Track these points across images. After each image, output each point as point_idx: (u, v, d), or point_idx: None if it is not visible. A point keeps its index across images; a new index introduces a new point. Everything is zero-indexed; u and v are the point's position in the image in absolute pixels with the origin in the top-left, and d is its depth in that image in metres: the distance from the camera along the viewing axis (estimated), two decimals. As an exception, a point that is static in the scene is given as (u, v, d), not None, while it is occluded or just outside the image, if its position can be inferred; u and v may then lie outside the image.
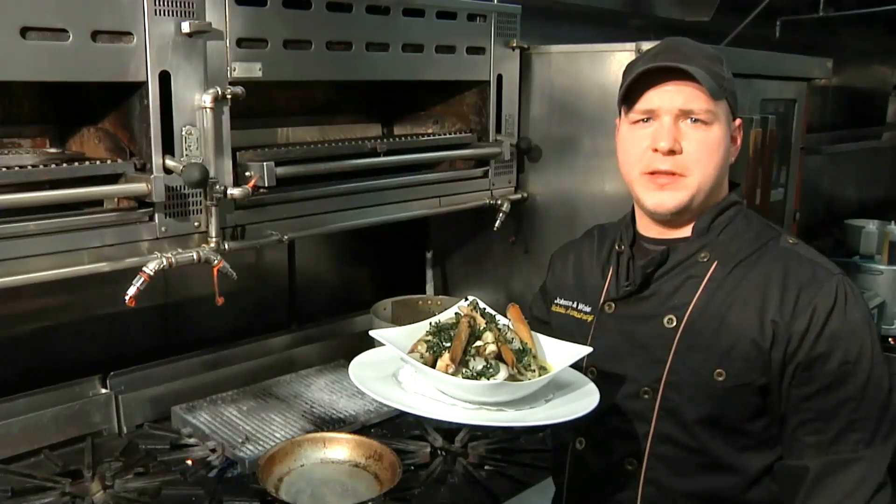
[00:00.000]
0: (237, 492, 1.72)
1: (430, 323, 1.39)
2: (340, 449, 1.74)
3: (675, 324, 1.38)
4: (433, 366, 1.27)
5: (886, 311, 3.72)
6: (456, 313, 1.41)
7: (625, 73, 1.44)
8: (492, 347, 1.29)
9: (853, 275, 3.72)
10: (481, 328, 1.35)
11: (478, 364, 1.28)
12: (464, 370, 1.27)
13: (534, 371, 1.30)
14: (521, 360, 1.31)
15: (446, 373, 1.25)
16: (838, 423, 1.29)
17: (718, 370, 1.33)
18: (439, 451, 1.93)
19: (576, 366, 1.38)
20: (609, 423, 1.41)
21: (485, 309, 1.41)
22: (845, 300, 1.31)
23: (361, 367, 1.36)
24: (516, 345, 1.34)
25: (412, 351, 1.33)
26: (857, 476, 1.29)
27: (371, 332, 1.37)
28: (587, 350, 1.37)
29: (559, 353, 1.38)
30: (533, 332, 1.41)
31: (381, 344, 1.36)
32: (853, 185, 5.14)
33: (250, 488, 1.72)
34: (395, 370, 1.37)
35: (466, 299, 1.43)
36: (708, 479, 1.37)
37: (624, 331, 1.43)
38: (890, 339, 3.63)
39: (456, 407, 1.27)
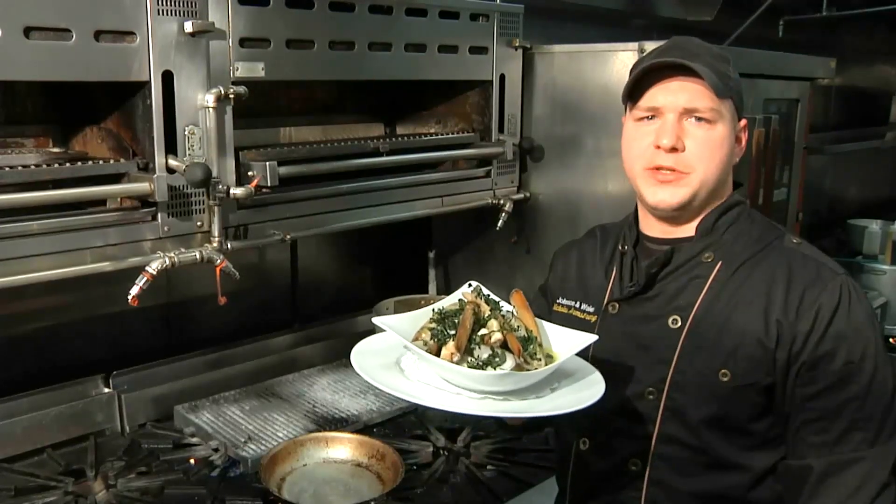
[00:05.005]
0: (240, 491, 1.72)
1: (434, 310, 1.35)
2: (343, 448, 1.74)
3: (679, 324, 1.37)
4: (437, 354, 1.25)
5: (890, 311, 3.72)
6: (459, 300, 1.37)
7: (632, 70, 1.44)
8: (497, 336, 1.26)
9: (856, 275, 3.71)
10: (486, 315, 1.31)
11: (483, 353, 1.25)
12: (469, 359, 1.24)
13: (540, 360, 1.28)
14: (527, 349, 1.28)
15: (451, 361, 1.22)
16: (842, 423, 1.29)
17: (723, 370, 1.33)
18: (442, 451, 1.92)
19: (581, 357, 1.36)
20: (613, 424, 1.41)
21: (488, 295, 1.38)
22: (849, 300, 1.31)
23: (363, 355, 1.32)
24: (521, 332, 1.32)
25: (416, 339, 1.29)
26: (861, 476, 1.28)
27: (373, 319, 1.33)
28: (593, 338, 1.35)
29: (564, 341, 1.36)
30: (537, 319, 1.39)
31: (383, 331, 1.33)
32: (856, 184, 5.14)
33: (253, 488, 1.72)
34: (398, 357, 1.34)
35: (470, 285, 1.40)
36: (712, 478, 1.37)
37: (628, 331, 1.43)
38: (892, 339, 3.62)
39: (461, 396, 1.24)
